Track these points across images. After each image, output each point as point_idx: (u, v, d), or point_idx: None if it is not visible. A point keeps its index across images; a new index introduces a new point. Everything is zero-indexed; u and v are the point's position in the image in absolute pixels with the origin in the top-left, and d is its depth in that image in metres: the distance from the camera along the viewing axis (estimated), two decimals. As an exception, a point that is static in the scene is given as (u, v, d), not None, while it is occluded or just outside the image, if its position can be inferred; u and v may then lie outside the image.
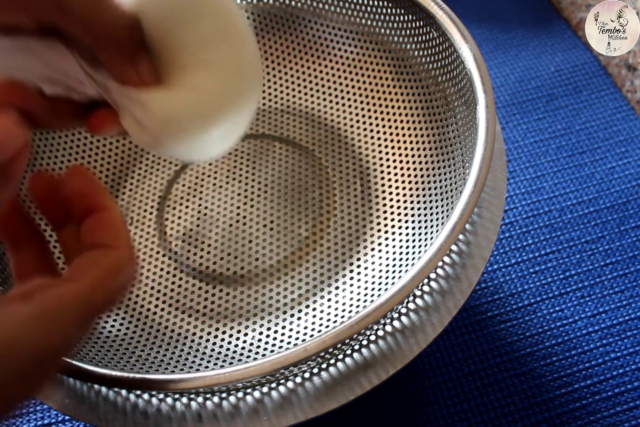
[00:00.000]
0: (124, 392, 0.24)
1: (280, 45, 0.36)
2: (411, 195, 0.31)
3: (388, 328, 0.24)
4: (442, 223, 0.26)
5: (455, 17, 0.28)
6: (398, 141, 0.33)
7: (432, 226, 0.28)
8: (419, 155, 0.31)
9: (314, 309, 0.29)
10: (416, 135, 0.32)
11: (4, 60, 0.19)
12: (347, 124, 0.34)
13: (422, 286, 0.24)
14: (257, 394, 0.23)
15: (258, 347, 0.28)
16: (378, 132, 0.33)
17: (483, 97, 0.25)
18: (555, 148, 0.43)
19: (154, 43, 0.19)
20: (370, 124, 0.34)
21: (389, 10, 0.32)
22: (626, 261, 0.38)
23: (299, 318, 0.29)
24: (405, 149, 0.32)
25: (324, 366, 0.23)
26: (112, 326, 0.29)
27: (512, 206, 0.40)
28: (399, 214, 0.31)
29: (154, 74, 0.19)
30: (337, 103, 0.35)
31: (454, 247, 0.25)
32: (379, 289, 0.28)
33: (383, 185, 0.32)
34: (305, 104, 0.36)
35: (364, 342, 0.24)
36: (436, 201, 0.29)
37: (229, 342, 0.28)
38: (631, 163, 0.42)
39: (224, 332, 0.29)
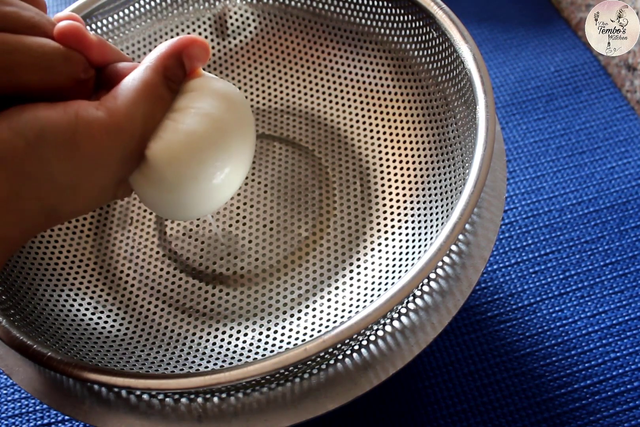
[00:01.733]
0: (123, 392, 0.24)
1: (280, 45, 0.36)
2: (411, 196, 0.31)
3: (388, 328, 0.24)
4: (442, 223, 0.26)
5: (455, 17, 0.28)
6: (398, 141, 0.33)
7: (432, 226, 0.28)
8: (419, 155, 0.31)
9: (314, 309, 0.29)
10: (416, 135, 0.32)
11: None
12: (347, 124, 0.34)
13: (422, 286, 0.24)
14: (256, 394, 0.23)
15: (258, 347, 0.28)
16: (378, 132, 0.33)
17: (483, 97, 0.25)
18: (555, 148, 0.43)
19: None
20: (370, 124, 0.34)
21: (388, 10, 0.32)
22: (626, 261, 0.38)
23: (299, 318, 0.29)
24: (405, 149, 0.32)
25: (323, 366, 0.23)
26: (112, 326, 0.29)
27: (512, 206, 0.40)
28: (399, 214, 0.31)
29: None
30: (337, 103, 0.35)
31: (454, 247, 0.25)
32: (379, 289, 0.28)
33: (383, 185, 0.32)
34: (305, 104, 0.36)
35: (364, 343, 0.24)
36: (436, 201, 0.29)
37: (229, 342, 0.28)
38: (631, 163, 0.42)
39: (224, 332, 0.29)
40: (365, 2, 0.32)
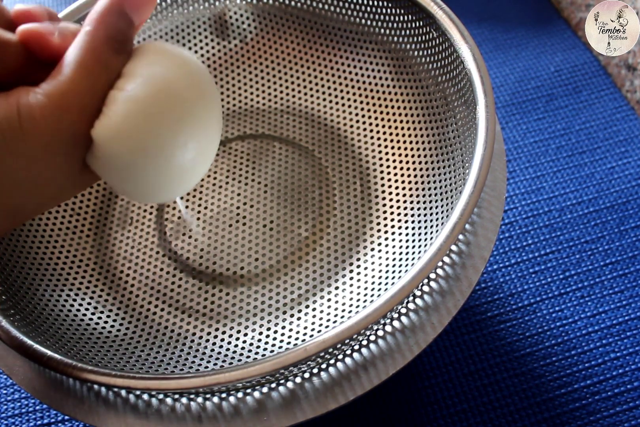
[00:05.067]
0: (123, 392, 0.24)
1: (280, 45, 0.36)
2: (411, 196, 0.31)
3: (388, 328, 0.24)
4: (442, 223, 0.26)
5: (455, 17, 0.28)
6: (398, 141, 0.33)
7: (432, 226, 0.28)
8: (419, 155, 0.31)
9: (314, 309, 0.29)
10: (416, 135, 0.32)
11: None
12: (347, 124, 0.34)
13: (422, 286, 0.24)
14: (257, 394, 0.23)
15: (258, 347, 0.28)
16: (378, 132, 0.33)
17: (483, 97, 0.25)
18: (555, 148, 0.43)
19: None
20: (370, 124, 0.34)
21: (388, 10, 0.32)
22: (626, 261, 0.38)
23: (299, 318, 0.29)
24: (405, 149, 0.32)
25: (323, 366, 0.23)
26: (112, 326, 0.29)
27: (512, 206, 0.40)
28: (399, 214, 0.31)
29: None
30: (337, 103, 0.35)
31: (453, 247, 0.25)
32: (379, 289, 0.28)
33: (383, 185, 0.32)
34: (305, 104, 0.36)
35: (364, 342, 0.24)
36: (436, 201, 0.29)
37: (229, 342, 0.28)
38: (631, 163, 0.42)
39: (223, 332, 0.29)
40: (365, 2, 0.32)
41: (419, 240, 0.28)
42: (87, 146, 0.19)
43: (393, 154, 0.33)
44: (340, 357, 0.23)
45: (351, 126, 0.34)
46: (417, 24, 0.30)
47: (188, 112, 0.20)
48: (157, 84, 0.19)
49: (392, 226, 0.30)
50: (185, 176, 0.21)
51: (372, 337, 0.24)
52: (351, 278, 0.29)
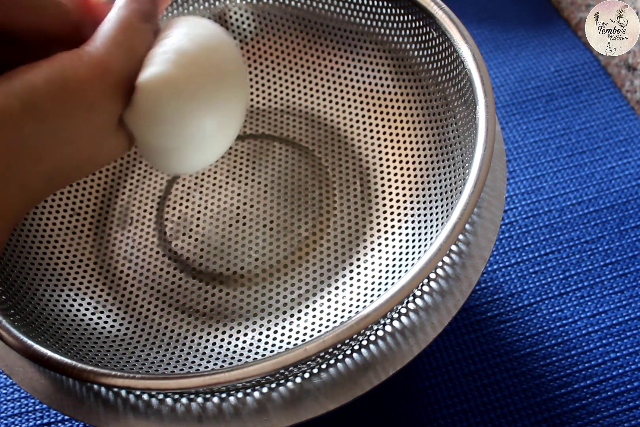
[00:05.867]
0: (123, 392, 0.24)
1: (280, 45, 0.36)
2: (411, 196, 0.31)
3: (388, 328, 0.24)
4: (442, 223, 0.26)
5: (455, 17, 0.28)
6: (398, 141, 0.33)
7: (432, 226, 0.28)
8: (419, 155, 0.31)
9: (314, 309, 0.29)
10: (416, 136, 0.32)
11: None
12: (347, 124, 0.34)
13: (422, 286, 0.24)
14: (256, 394, 0.23)
15: (258, 347, 0.28)
16: (378, 132, 0.33)
17: (483, 97, 0.25)
18: (555, 148, 0.43)
19: None
20: (370, 124, 0.34)
21: (388, 10, 0.32)
22: (626, 261, 0.38)
23: (299, 318, 0.29)
24: (405, 149, 0.32)
25: (323, 366, 0.23)
26: (112, 326, 0.29)
27: (512, 206, 0.40)
28: (399, 214, 0.31)
29: None
30: (337, 103, 0.35)
31: (453, 247, 0.25)
32: (379, 289, 0.28)
33: (383, 185, 0.32)
34: (305, 104, 0.36)
35: (364, 343, 0.24)
36: (436, 201, 0.29)
37: (229, 342, 0.28)
38: (631, 163, 0.42)
39: (223, 332, 0.29)
40: (365, 2, 0.32)
41: (419, 240, 0.28)
42: (126, 103, 0.20)
43: (393, 154, 0.33)
44: (340, 357, 0.23)
45: (351, 126, 0.34)
46: (417, 24, 0.30)
47: (229, 68, 0.20)
48: (198, 40, 0.20)
49: (392, 226, 0.30)
50: (220, 138, 0.21)
51: (372, 338, 0.24)
52: (351, 278, 0.29)
